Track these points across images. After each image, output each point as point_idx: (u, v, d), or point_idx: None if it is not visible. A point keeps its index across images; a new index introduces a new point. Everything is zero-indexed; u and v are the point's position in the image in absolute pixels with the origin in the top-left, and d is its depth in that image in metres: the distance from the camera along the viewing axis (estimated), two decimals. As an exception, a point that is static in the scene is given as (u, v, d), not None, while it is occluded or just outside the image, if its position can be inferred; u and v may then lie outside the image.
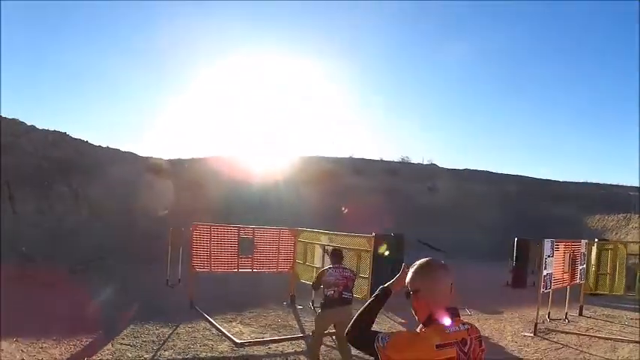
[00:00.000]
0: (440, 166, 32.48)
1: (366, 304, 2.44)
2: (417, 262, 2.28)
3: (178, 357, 7.19)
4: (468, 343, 2.16)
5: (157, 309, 9.73)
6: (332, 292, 6.47)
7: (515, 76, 70.44)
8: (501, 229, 23.59)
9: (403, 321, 10.22)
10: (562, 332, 9.55)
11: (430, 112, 72.25)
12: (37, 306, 9.26)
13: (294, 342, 8.35)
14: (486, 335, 9.33)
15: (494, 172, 32.27)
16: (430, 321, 2.13)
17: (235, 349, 7.76)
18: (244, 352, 7.60)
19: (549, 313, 10.71)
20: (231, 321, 9.51)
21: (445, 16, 64.20)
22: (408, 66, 70.12)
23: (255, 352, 7.65)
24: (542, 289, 9.54)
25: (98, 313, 9.09)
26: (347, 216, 22.21)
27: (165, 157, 22.08)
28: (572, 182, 31.71)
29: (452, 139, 67.92)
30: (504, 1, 60.32)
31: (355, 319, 2.38)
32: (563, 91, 69.05)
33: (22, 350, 6.92)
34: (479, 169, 32.55)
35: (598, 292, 11.82)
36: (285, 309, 10.90)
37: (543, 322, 10.27)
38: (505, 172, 32.32)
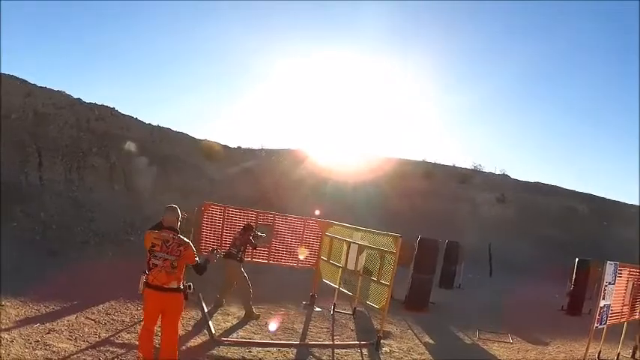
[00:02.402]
0: (511, 177, 30.78)
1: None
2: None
3: (137, 342, 6.18)
4: (170, 242, 4.85)
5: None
6: (228, 247, 8.94)
7: (597, 90, 65.84)
8: (566, 247, 21.83)
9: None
10: (609, 380, 7.65)
11: (507, 121, 68.91)
12: (29, 270, 8.81)
13: (282, 349, 7.03)
14: None
15: (565, 188, 30.61)
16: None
17: (208, 346, 6.65)
18: (215, 352, 6.46)
19: (600, 352, 8.81)
20: (228, 314, 8.45)
21: (523, 18, 60.71)
22: (488, 73, 66.95)
23: (229, 354, 6.45)
24: (595, 324, 7.65)
25: (86, 285, 8.46)
26: (408, 219, 20.74)
27: (222, 142, 21.53)
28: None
29: (526, 150, 64.43)
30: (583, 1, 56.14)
31: None
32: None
33: (-20, 304, 6.49)
34: (550, 183, 30.75)
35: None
36: (300, 310, 9.72)
37: None
38: (577, 190, 30.76)
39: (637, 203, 30.52)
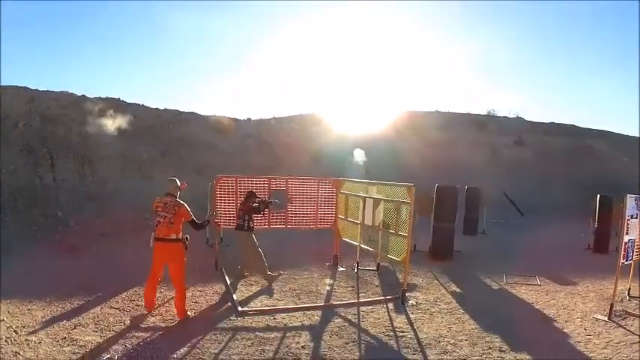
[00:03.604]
0: (526, 119, 30.25)
1: None
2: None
3: (162, 324, 6.30)
4: (168, 204, 6.43)
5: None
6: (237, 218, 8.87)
7: (606, 27, 63.81)
8: (588, 186, 21.24)
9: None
10: (641, 318, 7.35)
11: (519, 64, 67.51)
12: (53, 270, 8.93)
13: (307, 313, 7.08)
14: (552, 316, 7.41)
15: (581, 126, 29.84)
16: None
17: (232, 318, 6.68)
18: (239, 323, 6.50)
19: (629, 289, 8.55)
20: (251, 284, 8.50)
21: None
22: (495, 18, 65.16)
23: (253, 324, 6.49)
24: (621, 260, 7.36)
25: (109, 276, 8.58)
26: (427, 170, 20.59)
27: (231, 116, 21.49)
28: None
29: (540, 92, 63.23)
30: None
31: None
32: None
33: (8, 311, 6.58)
34: (565, 122, 30.44)
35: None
36: (324, 271, 9.74)
37: (622, 300, 8.23)
38: (592, 127, 29.96)
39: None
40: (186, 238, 6.48)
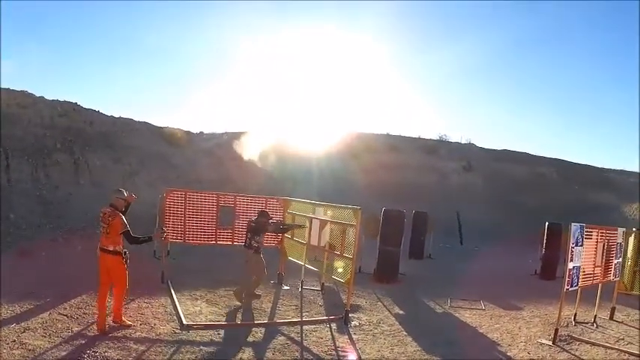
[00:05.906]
0: (477, 145, 30.63)
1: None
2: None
3: (108, 334, 6.52)
4: (106, 214, 6.47)
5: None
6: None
7: (561, 57, 67.11)
8: (536, 213, 22.06)
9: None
10: (587, 342, 7.64)
11: (471, 91, 69.89)
12: (2, 272, 8.91)
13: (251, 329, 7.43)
14: (495, 339, 7.69)
15: (532, 154, 30.72)
16: None
17: (177, 331, 6.97)
18: (183, 337, 6.79)
19: (575, 314, 8.90)
20: (197, 299, 8.76)
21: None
22: (449, 45, 67.17)
23: (197, 338, 6.77)
24: (566, 287, 7.50)
25: (58, 281, 8.73)
26: (376, 193, 21.09)
27: (184, 128, 21.64)
28: (611, 169, 30.70)
29: (492, 119, 65.57)
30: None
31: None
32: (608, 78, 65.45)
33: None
34: (517, 150, 30.84)
35: (634, 292, 9.48)
36: (268, 289, 9.93)
37: (567, 325, 8.54)
38: (544, 155, 30.82)
39: (606, 167, 31.22)
40: (125, 252, 6.57)
